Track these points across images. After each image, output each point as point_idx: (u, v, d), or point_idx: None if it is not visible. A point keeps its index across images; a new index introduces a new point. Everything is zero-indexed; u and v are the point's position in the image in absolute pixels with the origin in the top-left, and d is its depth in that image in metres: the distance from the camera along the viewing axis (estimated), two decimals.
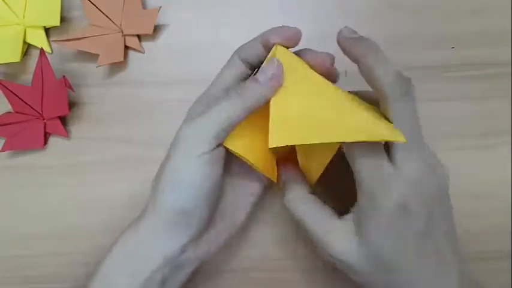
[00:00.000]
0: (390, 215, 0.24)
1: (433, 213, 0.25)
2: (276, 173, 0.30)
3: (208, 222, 0.28)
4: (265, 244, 0.35)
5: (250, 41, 0.29)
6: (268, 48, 0.28)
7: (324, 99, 0.26)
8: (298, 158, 0.29)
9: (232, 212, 0.30)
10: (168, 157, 0.27)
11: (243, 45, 0.29)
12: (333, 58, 0.28)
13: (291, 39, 0.27)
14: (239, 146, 0.28)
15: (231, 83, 0.28)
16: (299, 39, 0.28)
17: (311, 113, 0.25)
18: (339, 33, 0.27)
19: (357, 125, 0.24)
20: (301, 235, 0.35)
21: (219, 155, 0.27)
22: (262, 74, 0.26)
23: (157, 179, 0.27)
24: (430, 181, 0.25)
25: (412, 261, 0.25)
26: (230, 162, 0.30)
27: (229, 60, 0.29)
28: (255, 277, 0.35)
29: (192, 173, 0.26)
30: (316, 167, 0.30)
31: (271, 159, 0.29)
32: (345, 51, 0.26)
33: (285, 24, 0.28)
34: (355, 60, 0.26)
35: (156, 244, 0.27)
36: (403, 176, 0.24)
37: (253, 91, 0.26)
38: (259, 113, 0.26)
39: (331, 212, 0.27)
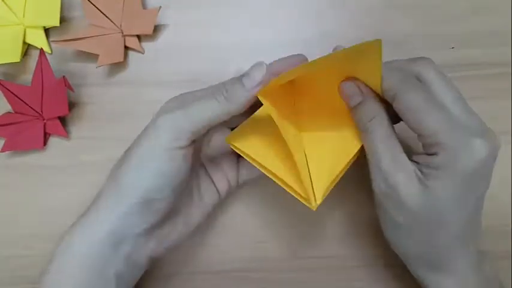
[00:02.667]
0: (465, 174, 0.24)
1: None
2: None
3: (165, 216, 0.28)
4: (265, 245, 0.35)
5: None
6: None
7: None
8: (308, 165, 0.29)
9: (190, 212, 0.30)
10: (138, 144, 0.26)
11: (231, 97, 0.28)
12: (304, 59, 0.28)
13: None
14: (268, 161, 0.28)
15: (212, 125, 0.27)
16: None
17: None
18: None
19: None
20: (301, 236, 0.35)
21: (190, 152, 0.27)
22: (249, 80, 0.26)
23: (123, 164, 0.26)
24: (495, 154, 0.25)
25: (462, 224, 0.25)
26: (195, 161, 0.30)
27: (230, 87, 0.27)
28: (255, 277, 0.35)
29: (161, 164, 0.25)
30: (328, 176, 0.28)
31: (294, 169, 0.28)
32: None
33: (290, 54, 0.28)
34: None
35: (112, 226, 0.26)
36: (484, 138, 0.24)
37: (238, 96, 0.26)
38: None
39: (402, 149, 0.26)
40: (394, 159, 0.25)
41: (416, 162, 0.25)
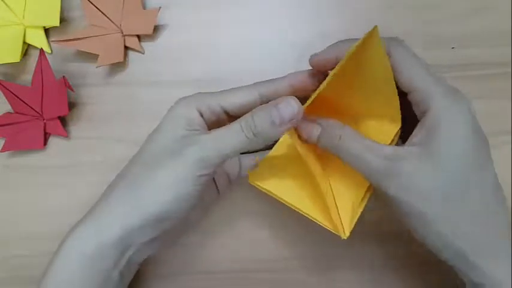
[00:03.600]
0: (467, 137, 0.23)
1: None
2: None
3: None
4: (265, 245, 0.35)
5: (277, 79, 0.29)
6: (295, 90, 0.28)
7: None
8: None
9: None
10: (163, 165, 0.26)
11: (268, 82, 0.29)
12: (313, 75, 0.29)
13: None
14: (294, 198, 0.29)
15: (236, 107, 0.28)
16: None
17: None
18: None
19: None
20: (301, 236, 0.35)
21: (211, 177, 0.27)
22: (279, 119, 0.25)
23: (145, 177, 0.26)
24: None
25: (486, 174, 0.24)
26: None
27: (246, 89, 0.28)
28: (255, 278, 0.35)
29: (184, 190, 0.26)
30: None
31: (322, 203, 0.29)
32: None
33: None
34: None
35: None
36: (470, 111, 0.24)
37: (268, 134, 0.25)
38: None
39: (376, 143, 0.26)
40: (386, 155, 0.25)
41: (410, 142, 0.25)
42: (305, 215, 0.29)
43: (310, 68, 0.29)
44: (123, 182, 0.27)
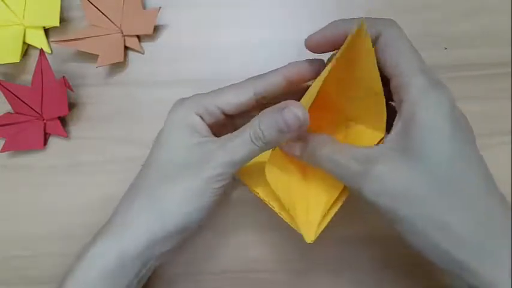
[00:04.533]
0: (445, 128, 0.22)
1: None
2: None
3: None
4: (264, 246, 0.35)
5: (271, 73, 0.28)
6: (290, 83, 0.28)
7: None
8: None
9: None
10: (182, 176, 0.26)
11: (262, 77, 0.28)
12: (308, 67, 0.28)
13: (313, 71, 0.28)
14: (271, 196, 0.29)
15: (233, 107, 0.28)
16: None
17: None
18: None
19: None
20: (301, 237, 0.35)
21: (227, 185, 0.27)
22: (287, 126, 0.25)
23: (166, 189, 0.27)
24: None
25: (474, 166, 0.22)
26: None
27: (240, 88, 0.28)
28: (255, 278, 0.35)
29: (205, 200, 0.26)
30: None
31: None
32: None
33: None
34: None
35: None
36: (444, 93, 0.23)
37: (276, 141, 0.26)
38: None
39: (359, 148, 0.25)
40: (359, 157, 0.24)
41: (388, 139, 0.24)
42: (279, 214, 0.29)
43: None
44: (143, 194, 0.27)
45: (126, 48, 0.37)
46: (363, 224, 0.35)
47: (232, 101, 0.28)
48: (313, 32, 0.27)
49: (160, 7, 0.36)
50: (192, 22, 0.38)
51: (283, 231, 0.35)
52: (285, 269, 0.35)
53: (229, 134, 0.27)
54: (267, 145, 0.26)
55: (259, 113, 0.26)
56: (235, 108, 0.28)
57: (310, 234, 0.27)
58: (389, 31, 0.24)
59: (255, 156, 0.26)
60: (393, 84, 0.24)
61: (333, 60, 0.25)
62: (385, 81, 0.25)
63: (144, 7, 0.37)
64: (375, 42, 0.25)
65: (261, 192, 0.30)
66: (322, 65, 0.28)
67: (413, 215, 0.22)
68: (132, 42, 0.37)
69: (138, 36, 0.37)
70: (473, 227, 0.22)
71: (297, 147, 0.28)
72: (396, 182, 0.22)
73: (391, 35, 0.24)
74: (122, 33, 0.37)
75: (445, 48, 0.36)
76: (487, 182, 0.23)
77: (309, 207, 0.28)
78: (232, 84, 0.28)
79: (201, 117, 0.28)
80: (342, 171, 0.25)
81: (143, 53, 0.37)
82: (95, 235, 0.28)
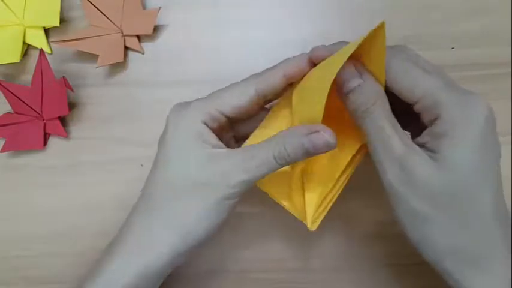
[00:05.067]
0: (476, 131, 0.23)
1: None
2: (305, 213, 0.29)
3: None
4: (265, 245, 0.35)
5: (270, 72, 0.27)
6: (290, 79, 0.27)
7: None
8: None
9: None
10: (198, 192, 0.26)
11: (262, 76, 0.27)
12: (307, 61, 0.27)
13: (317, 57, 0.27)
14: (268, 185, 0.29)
15: (235, 110, 0.27)
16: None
17: None
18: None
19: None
20: (301, 236, 0.35)
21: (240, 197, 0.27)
22: (314, 148, 0.25)
23: (184, 205, 0.26)
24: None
25: (490, 198, 0.23)
26: None
27: (241, 89, 0.27)
28: (255, 278, 0.35)
29: (220, 215, 0.26)
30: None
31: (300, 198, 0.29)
32: None
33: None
34: None
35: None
36: (479, 96, 0.23)
37: (300, 159, 0.25)
38: None
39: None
40: (405, 142, 0.24)
41: (421, 143, 0.24)
42: (278, 202, 0.29)
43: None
44: (160, 213, 0.27)
45: (126, 48, 0.37)
46: (364, 222, 0.35)
47: (236, 105, 0.27)
48: (321, 46, 0.26)
49: (160, 7, 0.36)
50: (192, 22, 0.38)
51: (284, 230, 0.35)
52: (285, 269, 0.35)
53: (246, 149, 0.26)
54: (289, 163, 0.26)
55: (281, 133, 0.26)
56: (238, 112, 0.27)
57: (310, 223, 0.28)
58: (394, 62, 0.24)
59: (267, 172, 0.26)
60: (419, 108, 0.24)
61: (342, 55, 0.24)
62: (405, 106, 0.25)
63: (144, 7, 0.37)
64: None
65: (264, 187, 0.29)
66: (320, 55, 0.27)
67: (425, 211, 0.23)
68: (132, 42, 0.37)
69: (138, 36, 0.37)
70: (472, 239, 0.23)
71: (355, 80, 0.25)
72: (425, 178, 0.23)
73: (398, 64, 0.24)
74: (122, 33, 0.37)
75: (452, 48, 0.36)
76: (496, 202, 0.24)
77: (306, 196, 0.28)
78: (233, 87, 0.27)
79: (206, 124, 0.27)
80: (386, 146, 0.24)
81: (143, 53, 0.37)
82: (108, 251, 0.27)
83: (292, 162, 0.26)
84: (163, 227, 0.26)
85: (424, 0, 0.37)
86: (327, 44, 0.27)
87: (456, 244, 0.23)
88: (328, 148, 0.25)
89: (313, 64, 0.27)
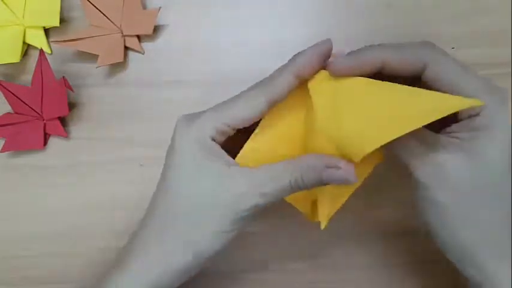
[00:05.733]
0: (507, 147, 0.23)
1: None
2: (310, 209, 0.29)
3: None
4: (264, 246, 0.35)
5: (279, 78, 0.25)
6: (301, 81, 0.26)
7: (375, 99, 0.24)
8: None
9: None
10: (210, 209, 0.25)
11: (272, 85, 0.25)
12: (317, 56, 0.25)
13: (324, 54, 0.25)
14: None
15: (244, 122, 0.26)
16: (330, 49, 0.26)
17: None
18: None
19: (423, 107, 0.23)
20: (301, 236, 0.35)
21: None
22: (330, 179, 0.24)
23: (194, 226, 0.26)
24: None
25: None
26: None
27: (252, 97, 0.26)
28: (255, 278, 0.35)
29: (233, 234, 0.26)
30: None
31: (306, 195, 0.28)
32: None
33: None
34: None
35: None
36: None
37: (311, 186, 0.25)
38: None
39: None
40: (422, 139, 0.24)
41: (451, 133, 0.24)
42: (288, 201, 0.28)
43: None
44: (171, 233, 0.26)
45: (126, 48, 0.37)
46: (368, 222, 0.35)
47: (246, 117, 0.26)
48: (342, 57, 0.25)
49: (160, 7, 0.36)
50: (192, 22, 0.38)
51: (284, 230, 0.35)
52: (287, 269, 0.35)
53: (263, 170, 0.25)
54: (303, 187, 0.25)
55: (301, 160, 0.25)
56: (248, 124, 0.26)
57: (321, 220, 0.27)
58: (436, 62, 0.24)
59: (277, 198, 0.26)
60: None
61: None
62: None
63: (144, 7, 0.37)
64: (421, 73, 0.25)
65: None
66: (329, 48, 0.26)
67: (451, 203, 0.24)
68: (132, 42, 0.37)
69: (138, 36, 0.37)
70: (496, 234, 0.24)
71: None
72: (453, 170, 0.23)
73: (440, 65, 0.24)
74: (122, 33, 0.37)
75: (452, 48, 0.36)
76: None
77: (320, 195, 0.27)
78: (242, 98, 0.26)
79: (213, 139, 0.26)
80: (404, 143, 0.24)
81: (143, 53, 0.37)
82: (118, 265, 0.27)
83: (306, 186, 0.25)
84: (176, 245, 0.26)
85: (424, 0, 0.37)
86: None
87: (480, 236, 0.24)
88: (345, 183, 0.24)
89: (324, 59, 0.25)
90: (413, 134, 0.23)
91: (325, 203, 0.27)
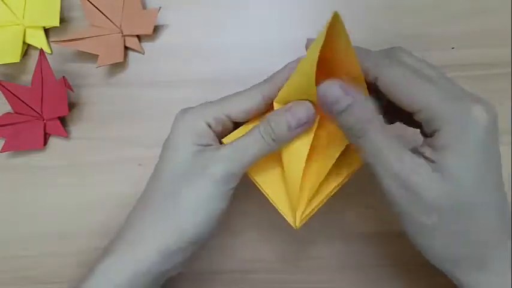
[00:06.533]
0: (475, 143, 0.23)
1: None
2: (295, 216, 0.29)
3: None
4: (265, 246, 0.35)
5: (276, 76, 0.28)
6: None
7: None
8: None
9: None
10: (189, 185, 0.26)
11: (268, 82, 0.28)
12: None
13: None
14: (263, 178, 0.29)
15: (241, 114, 0.28)
16: None
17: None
18: None
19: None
20: (301, 236, 0.35)
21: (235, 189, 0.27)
22: (296, 120, 0.25)
23: (176, 203, 0.26)
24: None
25: (492, 208, 0.23)
26: None
27: (249, 94, 0.28)
28: (254, 278, 0.35)
29: (217, 208, 0.26)
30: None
31: (291, 200, 0.29)
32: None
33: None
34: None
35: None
36: (481, 103, 0.23)
37: (284, 137, 0.26)
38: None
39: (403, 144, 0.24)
40: (404, 160, 0.23)
41: (421, 153, 0.24)
42: (268, 198, 0.29)
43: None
44: (154, 208, 0.27)
45: (126, 48, 0.37)
46: (364, 222, 0.35)
47: (241, 107, 0.27)
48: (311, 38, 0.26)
49: (160, 7, 0.36)
50: (192, 22, 0.38)
51: (284, 230, 0.35)
52: (277, 269, 0.35)
53: (233, 143, 0.27)
54: (276, 142, 0.26)
55: (267, 115, 0.26)
56: (245, 115, 0.28)
57: (295, 221, 0.28)
58: (390, 72, 0.24)
59: (263, 156, 0.26)
60: (419, 118, 0.24)
61: (312, 53, 0.23)
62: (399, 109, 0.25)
63: (144, 7, 0.37)
64: (375, 78, 0.24)
65: (256, 177, 0.29)
66: None
67: (432, 223, 0.23)
68: (132, 42, 0.37)
69: (138, 36, 0.37)
70: (478, 248, 0.24)
71: (344, 99, 0.24)
72: (428, 192, 0.23)
73: (394, 73, 0.24)
74: (122, 33, 0.37)
75: (452, 48, 0.36)
76: (498, 215, 0.24)
77: (296, 195, 0.28)
78: (240, 93, 0.28)
79: (209, 125, 0.27)
80: (385, 166, 0.24)
81: (143, 53, 0.37)
82: (105, 250, 0.27)
83: (278, 140, 0.26)
84: (155, 224, 0.26)
85: (424, 1, 0.37)
86: None
87: (461, 252, 0.24)
88: (307, 117, 0.25)
89: None
90: (393, 150, 0.23)
91: (303, 204, 0.28)
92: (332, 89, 0.23)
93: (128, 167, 0.36)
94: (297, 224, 0.28)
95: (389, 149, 0.24)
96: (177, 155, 0.27)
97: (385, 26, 0.37)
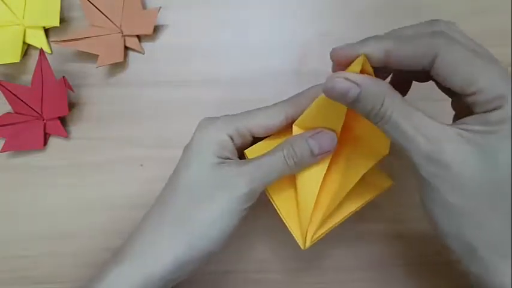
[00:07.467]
0: None
1: None
2: (305, 238, 0.29)
3: None
4: (265, 246, 0.35)
5: (299, 97, 0.28)
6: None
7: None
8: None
9: None
10: (213, 200, 0.26)
11: (292, 101, 0.28)
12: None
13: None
14: (277, 197, 0.29)
15: (262, 130, 0.28)
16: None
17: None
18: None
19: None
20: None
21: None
22: (319, 149, 0.26)
23: (195, 212, 0.26)
24: None
25: None
26: None
27: (272, 111, 0.28)
28: (255, 278, 0.35)
29: (234, 223, 0.27)
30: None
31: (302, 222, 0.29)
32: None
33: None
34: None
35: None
36: None
37: (306, 163, 0.27)
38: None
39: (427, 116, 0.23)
40: (429, 135, 0.22)
41: (461, 124, 0.22)
42: (281, 216, 0.29)
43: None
44: (170, 218, 0.27)
45: (126, 48, 0.37)
46: (369, 222, 0.35)
47: (264, 124, 0.28)
48: (341, 47, 0.25)
49: (160, 7, 0.36)
50: (192, 22, 0.38)
51: (281, 232, 0.35)
52: (288, 269, 0.35)
53: (254, 159, 0.27)
54: (297, 165, 0.27)
55: (288, 139, 0.27)
56: (266, 131, 0.28)
57: (304, 242, 0.28)
58: (444, 54, 0.23)
59: (283, 176, 0.27)
60: (478, 97, 0.22)
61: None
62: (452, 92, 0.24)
63: (144, 7, 0.37)
64: (432, 62, 0.23)
65: (273, 195, 0.29)
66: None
67: (460, 205, 0.23)
68: (132, 42, 0.37)
69: (138, 36, 0.37)
70: (500, 236, 0.23)
71: (352, 89, 0.23)
72: (463, 169, 0.22)
73: (451, 52, 0.23)
74: (122, 33, 0.37)
75: None
76: None
77: (306, 217, 0.28)
78: (263, 109, 0.29)
79: (231, 138, 0.28)
80: (413, 146, 0.23)
81: (143, 53, 0.37)
82: (116, 255, 0.27)
83: (299, 164, 0.27)
84: (172, 236, 0.27)
85: (424, 1, 0.37)
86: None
87: (484, 235, 0.23)
88: (331, 145, 0.27)
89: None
90: (420, 130, 0.22)
91: (314, 226, 0.28)
92: (338, 82, 0.23)
93: (128, 167, 0.36)
94: (307, 245, 0.28)
95: (414, 128, 0.22)
96: (198, 164, 0.27)
97: (385, 26, 0.37)
